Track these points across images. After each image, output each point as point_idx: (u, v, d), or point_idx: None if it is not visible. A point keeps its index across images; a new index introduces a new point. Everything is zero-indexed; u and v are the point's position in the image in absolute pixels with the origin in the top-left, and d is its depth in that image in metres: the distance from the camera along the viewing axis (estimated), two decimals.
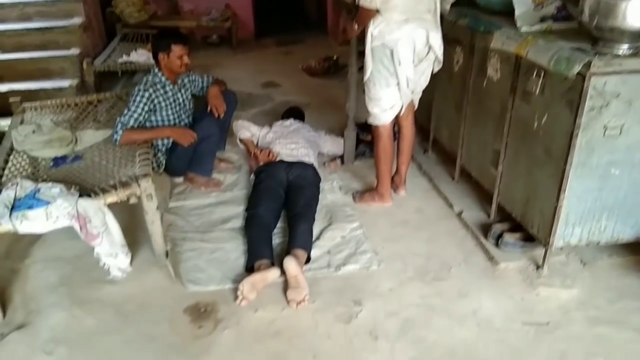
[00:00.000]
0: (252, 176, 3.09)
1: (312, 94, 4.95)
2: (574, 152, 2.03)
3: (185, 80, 3.22)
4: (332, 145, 3.55)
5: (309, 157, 3.15)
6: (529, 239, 2.43)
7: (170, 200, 3.07)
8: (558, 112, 2.08)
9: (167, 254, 2.48)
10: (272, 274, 2.31)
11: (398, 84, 2.62)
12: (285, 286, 2.29)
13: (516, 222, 2.50)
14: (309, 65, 5.56)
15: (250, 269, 2.41)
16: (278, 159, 3.07)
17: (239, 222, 2.82)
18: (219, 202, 3.04)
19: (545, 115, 2.16)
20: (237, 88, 3.53)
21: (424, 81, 2.74)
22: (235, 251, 2.59)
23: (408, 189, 3.10)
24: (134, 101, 2.89)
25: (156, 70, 3.03)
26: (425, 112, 3.46)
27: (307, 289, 2.25)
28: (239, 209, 2.94)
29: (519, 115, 2.36)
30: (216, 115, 3.21)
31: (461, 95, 2.91)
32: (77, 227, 2.20)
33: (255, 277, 2.27)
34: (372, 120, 2.81)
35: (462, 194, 2.99)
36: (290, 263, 2.28)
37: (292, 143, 3.23)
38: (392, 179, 2.99)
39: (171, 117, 3.09)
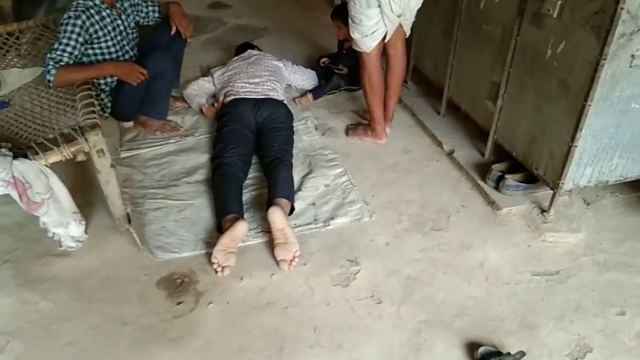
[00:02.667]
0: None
1: (269, 16, 4.45)
2: (597, 86, 1.79)
3: (126, 5, 2.69)
4: (302, 77, 3.17)
5: (277, 93, 2.77)
6: (530, 179, 2.25)
7: (121, 149, 2.65)
8: (580, 39, 1.81)
9: (128, 218, 2.13)
10: (240, 229, 1.99)
11: (380, 5, 2.26)
12: (271, 244, 2.02)
13: (515, 161, 2.30)
14: None
15: (220, 229, 2.11)
16: (241, 96, 2.68)
17: (206, 173, 2.47)
18: (180, 150, 2.66)
19: (563, 42, 1.89)
20: None
21: (414, 4, 2.35)
22: (207, 208, 2.27)
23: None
24: (65, 31, 2.37)
25: None
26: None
27: (297, 244, 1.99)
28: (205, 158, 2.58)
29: (527, 42, 2.09)
30: (184, 37, 2.79)
31: (450, 18, 2.58)
32: (15, 195, 1.80)
33: (224, 241, 1.96)
34: (355, 46, 2.46)
35: (451, 130, 2.75)
36: (275, 214, 1.97)
37: (254, 77, 2.82)
38: None
39: (112, 50, 2.59)
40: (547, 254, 2.05)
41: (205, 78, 3.03)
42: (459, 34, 2.55)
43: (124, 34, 2.65)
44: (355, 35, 2.40)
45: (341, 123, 2.90)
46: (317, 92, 3.11)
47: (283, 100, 2.78)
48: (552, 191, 2.11)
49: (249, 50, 3.14)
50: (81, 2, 2.46)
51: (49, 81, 2.31)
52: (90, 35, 2.46)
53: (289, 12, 4.52)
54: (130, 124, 2.82)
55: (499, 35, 2.25)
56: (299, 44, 3.83)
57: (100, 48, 2.55)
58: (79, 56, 2.43)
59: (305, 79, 3.18)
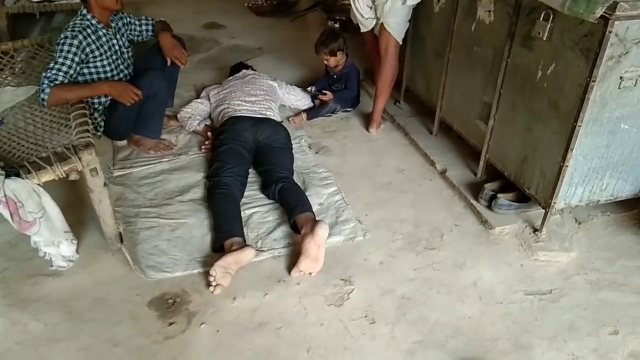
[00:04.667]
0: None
1: (262, 36, 4.49)
2: (586, 107, 1.82)
3: (120, 24, 2.71)
4: (296, 97, 3.19)
5: (273, 112, 2.79)
6: (522, 198, 2.27)
7: (115, 167, 2.64)
8: (570, 61, 1.85)
9: (120, 237, 2.11)
10: (247, 255, 2.02)
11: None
12: (263, 264, 2.01)
13: (507, 180, 2.32)
14: (256, 3, 5.04)
15: (219, 248, 2.10)
16: (238, 114, 2.69)
17: (200, 192, 2.46)
18: (174, 169, 2.65)
19: (553, 64, 1.93)
20: (176, 31, 3.05)
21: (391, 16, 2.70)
22: (200, 227, 2.26)
23: (384, 145, 2.86)
24: (61, 51, 2.38)
25: (84, 11, 2.51)
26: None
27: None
28: (199, 176, 2.57)
29: (518, 64, 2.12)
30: (180, 65, 2.79)
31: (443, 40, 2.62)
32: (7, 214, 1.80)
33: (228, 260, 1.96)
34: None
35: (443, 150, 2.77)
36: (324, 228, 2.00)
37: (250, 96, 2.84)
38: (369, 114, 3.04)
39: (107, 69, 2.60)
40: (540, 273, 2.06)
41: (199, 99, 3.04)
42: (450, 55, 2.58)
43: (119, 53, 2.67)
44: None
45: (335, 142, 2.92)
46: (311, 113, 3.13)
47: (282, 121, 2.80)
48: (543, 210, 2.12)
49: (244, 70, 3.16)
50: (78, 21, 2.48)
51: (43, 100, 2.31)
52: (87, 55, 2.48)
53: (283, 33, 4.57)
54: (124, 142, 2.82)
55: (490, 57, 2.28)
56: (293, 64, 3.87)
57: (95, 67, 2.56)
58: (74, 76, 2.44)
59: (299, 99, 3.20)
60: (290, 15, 4.96)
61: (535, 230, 2.19)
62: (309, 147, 2.86)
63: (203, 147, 2.76)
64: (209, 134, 2.78)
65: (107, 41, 2.58)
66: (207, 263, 2.05)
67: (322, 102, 3.20)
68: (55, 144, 2.17)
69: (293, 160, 2.59)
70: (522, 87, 2.11)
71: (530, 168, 2.14)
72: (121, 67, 2.69)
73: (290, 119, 3.08)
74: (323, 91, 3.19)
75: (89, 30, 2.48)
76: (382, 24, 2.76)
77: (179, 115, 2.97)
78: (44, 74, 2.33)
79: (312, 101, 3.24)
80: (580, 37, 1.79)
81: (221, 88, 3.00)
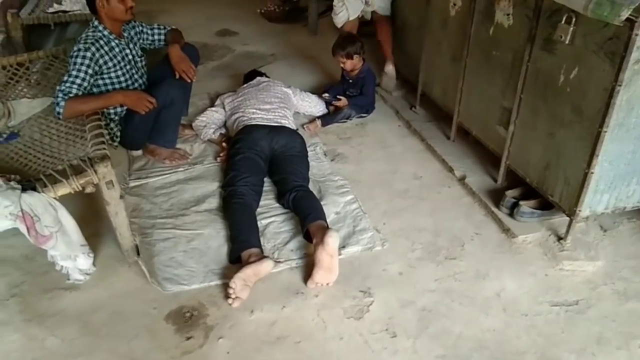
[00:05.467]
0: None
1: (275, 42, 4.47)
2: (612, 112, 1.76)
3: (132, 33, 2.71)
4: (310, 104, 3.16)
5: (288, 120, 2.76)
6: (545, 205, 2.21)
7: (130, 178, 2.63)
8: (594, 65, 1.79)
9: (137, 250, 2.10)
10: (266, 267, 1.99)
11: None
12: (282, 275, 1.99)
13: (529, 186, 2.26)
14: (268, 9, 5.02)
15: (236, 260, 2.08)
16: (253, 122, 2.67)
17: (215, 202, 2.44)
18: (189, 178, 2.64)
19: (576, 68, 1.87)
20: (189, 38, 3.04)
21: None
22: (216, 237, 2.24)
23: (400, 151, 2.82)
24: (74, 64, 2.38)
25: (96, 22, 2.50)
26: (412, 63, 3.14)
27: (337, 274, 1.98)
28: (214, 186, 2.55)
29: (539, 68, 2.07)
30: (188, 80, 2.76)
31: (459, 44, 2.57)
32: (23, 229, 1.78)
33: (247, 272, 1.93)
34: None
35: (461, 156, 2.71)
36: (333, 237, 1.95)
37: (265, 104, 2.82)
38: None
39: (122, 79, 2.60)
40: (566, 283, 2.00)
41: (214, 108, 3.02)
42: (468, 59, 2.54)
43: (133, 62, 2.66)
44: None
45: (351, 149, 2.88)
46: (326, 119, 3.10)
47: (297, 129, 2.78)
48: (568, 218, 2.06)
49: (258, 78, 3.14)
50: (90, 33, 2.48)
51: (58, 113, 2.31)
52: (100, 66, 2.47)
53: (296, 39, 4.55)
54: (139, 152, 2.81)
55: (509, 61, 2.23)
56: (306, 70, 3.84)
57: (110, 78, 2.56)
58: (89, 87, 2.44)
59: (313, 105, 3.17)
60: (303, 21, 4.93)
61: (559, 238, 2.13)
62: (325, 154, 2.83)
63: (218, 158, 2.74)
64: (224, 144, 2.76)
65: (120, 51, 2.57)
66: (224, 275, 2.03)
67: (337, 108, 3.17)
68: (71, 156, 2.16)
69: (308, 168, 2.56)
70: (544, 91, 2.06)
71: (553, 174, 2.09)
72: (135, 76, 2.69)
73: (304, 126, 3.05)
74: (338, 97, 3.15)
75: (101, 42, 2.48)
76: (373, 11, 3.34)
77: (194, 124, 2.96)
78: (58, 87, 2.33)
79: (327, 107, 3.21)
80: (605, 40, 1.73)
81: (236, 96, 2.99)
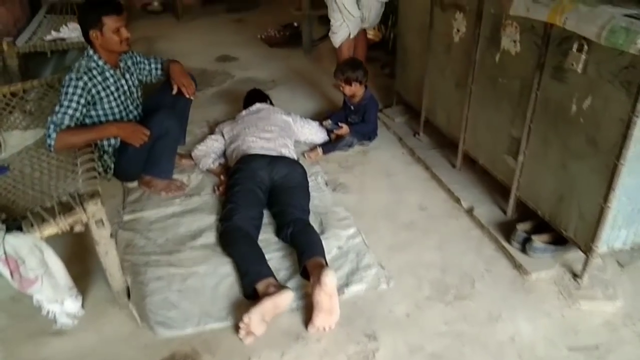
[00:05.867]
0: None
1: (276, 67, 4.42)
2: (629, 144, 1.66)
3: (129, 63, 2.64)
4: (310, 131, 3.08)
5: (288, 150, 2.68)
6: (559, 240, 2.09)
7: (124, 211, 2.54)
8: (609, 94, 1.70)
9: (128, 292, 1.99)
10: (286, 298, 1.87)
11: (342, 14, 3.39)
12: (286, 315, 1.86)
13: (540, 219, 2.16)
14: (268, 35, 4.99)
15: (251, 294, 1.96)
16: (253, 152, 2.58)
17: (212, 236, 2.34)
18: (185, 211, 2.54)
19: (589, 98, 1.78)
20: (188, 64, 2.98)
21: (374, 15, 3.53)
22: (212, 275, 2.13)
23: (404, 180, 2.73)
24: (66, 94, 2.31)
25: (91, 52, 2.43)
26: (415, 88, 3.06)
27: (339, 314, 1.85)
28: (211, 219, 2.45)
29: (549, 97, 1.98)
30: (186, 95, 2.70)
31: (464, 71, 2.50)
32: (6, 273, 1.68)
33: (266, 305, 1.80)
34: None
35: (468, 185, 2.61)
36: (330, 276, 1.81)
37: (265, 132, 2.73)
38: None
39: (115, 110, 2.52)
40: (584, 325, 1.87)
41: (213, 137, 2.94)
42: (473, 86, 2.45)
43: (128, 93, 2.59)
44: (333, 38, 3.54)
45: (353, 178, 2.79)
46: (327, 147, 3.01)
47: (298, 159, 2.69)
48: (583, 254, 1.95)
49: (257, 105, 3.05)
50: (84, 62, 2.41)
51: (49, 145, 2.23)
52: (93, 96, 2.40)
53: (297, 64, 4.50)
54: (135, 183, 2.72)
55: (517, 89, 2.15)
56: (307, 96, 3.78)
57: (103, 109, 2.48)
58: (81, 118, 2.36)
59: (314, 132, 3.09)
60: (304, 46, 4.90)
61: (575, 275, 2.02)
62: (326, 184, 2.73)
63: (217, 192, 2.64)
64: (222, 177, 2.67)
65: (115, 82, 2.50)
66: (220, 317, 1.91)
67: (338, 136, 3.08)
68: (61, 192, 2.06)
69: (309, 198, 2.46)
70: (555, 121, 1.96)
71: (567, 208, 1.98)
72: (130, 107, 2.61)
73: (305, 154, 2.96)
74: (339, 124, 3.07)
75: (94, 72, 2.41)
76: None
77: (193, 154, 2.88)
78: (50, 118, 2.26)
79: (328, 135, 3.12)
80: (620, 69, 1.64)
81: (235, 124, 2.91)
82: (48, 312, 1.85)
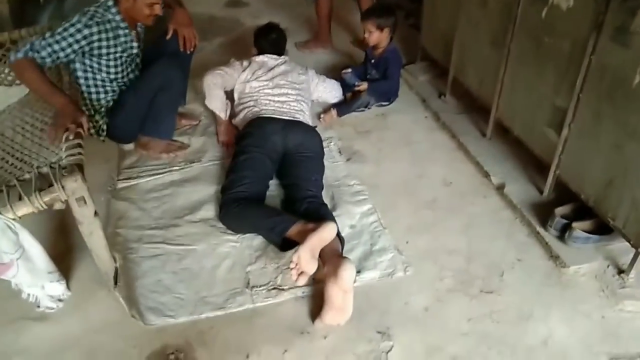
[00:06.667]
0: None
1: (289, 15, 4.05)
2: None
3: (139, 30, 2.36)
4: (325, 89, 2.77)
5: (304, 115, 2.39)
6: (603, 228, 1.83)
7: (119, 177, 2.33)
8: None
9: (116, 277, 1.79)
10: (330, 229, 1.74)
11: None
12: (287, 307, 1.69)
13: (582, 203, 1.89)
14: None
15: (288, 244, 1.85)
16: (266, 115, 2.30)
17: (212, 209, 2.13)
18: (184, 180, 2.32)
19: None
20: (193, 9, 2.66)
21: None
22: (210, 256, 1.93)
23: (427, 149, 2.46)
24: (65, 30, 2.04)
25: (110, 2, 2.15)
26: (443, 42, 2.72)
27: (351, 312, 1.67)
28: (212, 189, 2.23)
29: (606, 63, 1.66)
30: (188, 50, 2.45)
31: (502, 26, 2.16)
32: None
33: (313, 240, 1.68)
34: None
35: (499, 158, 2.33)
36: (349, 269, 1.61)
37: (281, 95, 2.43)
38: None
39: (112, 70, 2.26)
40: (627, 329, 1.65)
41: (232, 69, 2.58)
42: (512, 45, 2.13)
43: (133, 56, 2.32)
44: None
45: (370, 146, 2.52)
46: (342, 108, 2.72)
47: (316, 126, 2.43)
48: (632, 248, 1.69)
49: (273, 60, 2.64)
50: (100, 11, 2.13)
51: (9, 59, 2.00)
52: (92, 48, 2.14)
53: (312, 11, 4.10)
54: (131, 146, 2.50)
55: (566, 51, 1.83)
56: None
57: (99, 63, 2.22)
58: (61, 61, 2.09)
59: (329, 90, 2.79)
60: None
61: (620, 271, 1.77)
62: (339, 152, 2.48)
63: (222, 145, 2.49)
64: (227, 147, 2.47)
65: (125, 42, 2.23)
66: (217, 305, 1.73)
67: (354, 94, 2.78)
68: (42, 161, 1.84)
69: (324, 171, 2.22)
70: (611, 93, 1.66)
71: (617, 195, 1.71)
72: (127, 70, 2.34)
73: (321, 117, 2.68)
74: (358, 82, 2.76)
75: (107, 26, 2.13)
76: None
77: (205, 79, 2.52)
78: (33, 38, 2.02)
79: (343, 93, 2.83)
80: None
81: (250, 74, 2.55)
82: (28, 296, 1.69)
